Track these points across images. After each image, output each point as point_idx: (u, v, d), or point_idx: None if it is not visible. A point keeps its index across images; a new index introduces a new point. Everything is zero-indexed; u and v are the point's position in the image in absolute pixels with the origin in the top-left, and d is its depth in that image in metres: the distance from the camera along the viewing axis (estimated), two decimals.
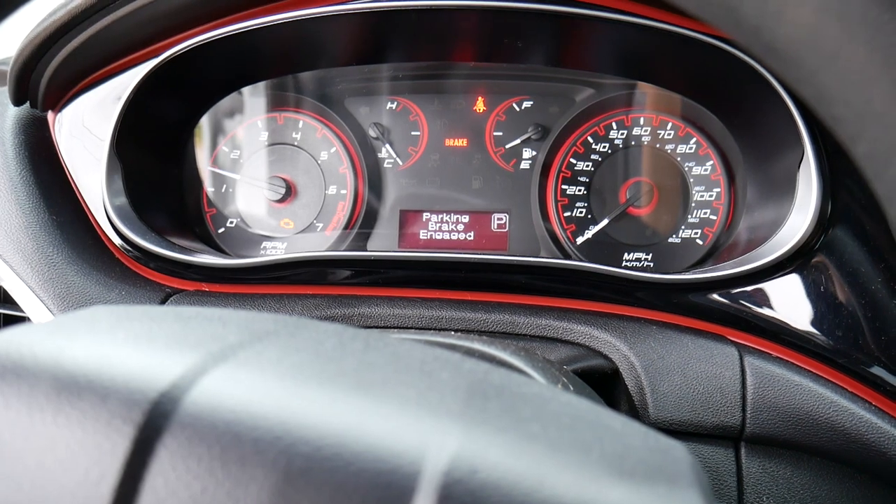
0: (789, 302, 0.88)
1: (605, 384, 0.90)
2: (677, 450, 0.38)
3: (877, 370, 0.83)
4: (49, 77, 1.04)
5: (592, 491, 0.32)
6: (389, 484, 0.31)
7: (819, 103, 0.34)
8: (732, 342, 0.88)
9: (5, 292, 1.01)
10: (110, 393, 0.34)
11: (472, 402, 0.38)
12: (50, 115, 1.12)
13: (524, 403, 0.40)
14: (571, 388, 0.69)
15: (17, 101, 1.08)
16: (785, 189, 0.92)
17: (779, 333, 0.88)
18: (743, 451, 0.85)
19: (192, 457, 0.32)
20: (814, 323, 0.86)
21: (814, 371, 0.85)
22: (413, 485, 0.31)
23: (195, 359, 0.38)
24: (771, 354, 0.87)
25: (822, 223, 0.87)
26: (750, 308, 0.89)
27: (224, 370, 0.37)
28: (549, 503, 0.31)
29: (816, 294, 0.87)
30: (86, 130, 1.08)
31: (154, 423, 0.33)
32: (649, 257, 1.13)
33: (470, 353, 0.69)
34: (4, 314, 1.03)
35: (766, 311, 0.89)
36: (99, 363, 0.36)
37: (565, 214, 1.17)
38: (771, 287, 0.89)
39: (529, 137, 1.19)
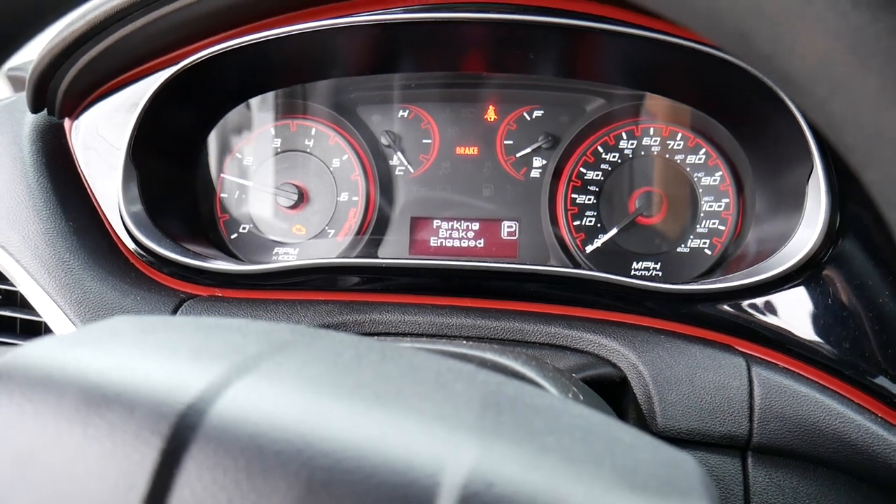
0: (797, 313, 0.89)
1: (613, 392, 0.90)
2: (688, 463, 0.39)
3: (883, 382, 0.84)
4: (66, 85, 1.05)
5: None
6: (408, 497, 0.32)
7: (830, 130, 0.34)
8: (740, 352, 0.89)
9: (22, 297, 1.02)
10: (137, 405, 0.35)
11: (486, 414, 0.39)
12: (66, 122, 1.13)
13: (537, 415, 0.40)
14: (581, 397, 0.70)
15: (35, 109, 1.09)
16: (794, 201, 0.93)
17: (786, 344, 0.88)
18: (750, 460, 0.86)
19: (217, 468, 0.33)
20: (821, 334, 0.87)
21: (821, 382, 0.86)
22: (431, 498, 0.32)
23: (218, 371, 0.38)
24: (778, 365, 0.88)
25: (831, 236, 0.88)
26: (758, 319, 0.90)
27: (246, 382, 0.38)
28: None
29: (824, 306, 0.87)
30: (101, 138, 1.10)
31: (181, 435, 0.34)
32: (658, 266, 1.14)
33: (482, 363, 0.70)
34: (21, 319, 1.04)
35: (774, 322, 0.89)
36: (125, 375, 0.37)
37: (575, 223, 1.18)
38: (779, 298, 0.90)
39: (540, 146, 1.20)
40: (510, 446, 0.36)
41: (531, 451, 0.36)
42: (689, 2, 0.35)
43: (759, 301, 0.90)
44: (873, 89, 0.31)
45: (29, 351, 0.39)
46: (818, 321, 0.87)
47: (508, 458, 0.35)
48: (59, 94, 1.07)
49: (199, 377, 0.37)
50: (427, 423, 0.37)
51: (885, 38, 0.31)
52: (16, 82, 1.58)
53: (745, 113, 1.04)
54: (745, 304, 0.91)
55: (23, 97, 1.11)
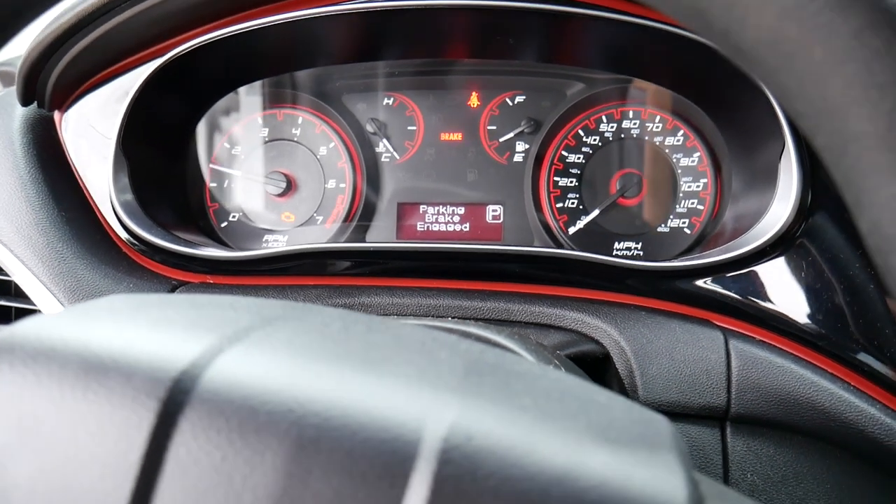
0: (772, 287, 0.91)
1: (596, 368, 0.92)
2: (658, 421, 0.40)
3: (855, 352, 0.86)
4: (56, 78, 1.06)
5: (579, 455, 0.34)
6: (393, 450, 0.33)
7: (783, 98, 0.36)
8: (718, 326, 0.91)
9: (17, 287, 1.03)
10: (135, 372, 0.36)
11: (468, 378, 0.40)
12: (56, 114, 1.14)
13: (516, 379, 0.41)
14: (563, 370, 0.72)
15: (25, 102, 1.10)
16: (768, 179, 0.95)
17: (762, 318, 0.90)
18: (728, 430, 0.88)
19: (211, 428, 0.34)
20: (795, 307, 0.89)
21: (796, 353, 0.88)
22: (415, 450, 0.33)
23: (211, 340, 0.39)
24: (755, 338, 0.90)
25: (803, 211, 0.90)
26: (735, 293, 0.92)
27: (238, 350, 0.39)
28: (540, 466, 0.33)
29: (798, 279, 0.90)
30: (91, 129, 1.11)
31: (176, 399, 0.35)
32: (639, 246, 1.16)
33: (466, 337, 0.71)
34: (16, 307, 1.05)
35: (750, 296, 0.91)
36: (122, 345, 0.38)
37: (558, 205, 1.19)
38: (755, 273, 0.92)
39: (522, 131, 1.22)
40: (489, 405, 0.37)
41: (509, 409, 0.37)
42: None
43: (736, 276, 0.92)
44: (818, 61, 0.33)
45: (29, 325, 0.40)
46: (792, 294, 0.89)
47: (487, 414, 0.36)
48: (49, 87, 1.08)
49: (193, 346, 0.38)
50: (411, 385, 0.38)
51: (827, 12, 0.33)
52: (4, 77, 1.58)
53: (720, 95, 1.06)
54: (722, 279, 0.93)
55: (12, 91, 1.12)
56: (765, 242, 0.90)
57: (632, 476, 0.34)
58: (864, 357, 0.86)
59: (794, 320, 0.89)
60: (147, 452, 0.34)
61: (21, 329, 0.40)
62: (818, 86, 0.34)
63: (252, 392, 0.36)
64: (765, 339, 0.90)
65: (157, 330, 0.42)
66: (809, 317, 0.88)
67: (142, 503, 0.33)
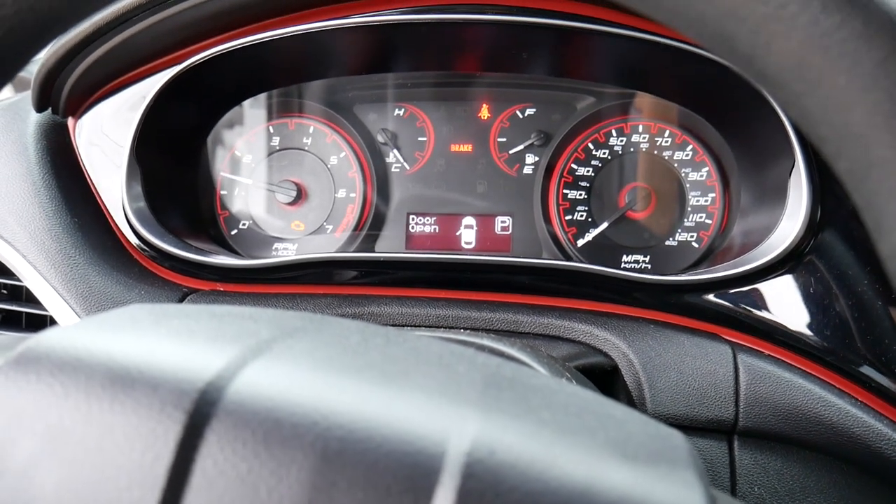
0: (781, 303, 0.91)
1: (604, 380, 0.93)
2: (675, 436, 0.40)
3: (863, 368, 0.86)
4: (71, 85, 1.07)
5: (599, 470, 0.34)
6: (418, 464, 0.33)
7: (805, 123, 0.37)
8: (726, 341, 0.91)
9: (27, 292, 1.04)
10: (161, 384, 0.36)
11: (487, 391, 0.40)
12: (70, 121, 1.15)
13: (534, 393, 0.42)
14: (574, 382, 0.72)
15: (40, 108, 1.11)
16: (777, 195, 0.95)
17: (771, 332, 0.91)
18: (736, 443, 0.88)
19: (237, 440, 0.34)
20: (804, 323, 0.89)
21: (804, 368, 0.88)
22: (439, 464, 0.33)
23: (234, 352, 0.40)
24: (763, 352, 0.90)
25: (812, 228, 0.90)
26: (743, 308, 0.92)
27: (261, 362, 0.39)
28: (561, 480, 0.33)
29: (806, 295, 0.90)
30: (105, 136, 1.11)
31: (202, 411, 0.35)
32: (647, 259, 1.16)
33: (480, 349, 0.71)
34: (27, 312, 1.05)
35: (758, 311, 0.92)
36: (147, 356, 0.38)
37: (566, 217, 1.20)
38: (763, 288, 0.92)
39: (532, 143, 1.22)
40: (510, 419, 0.37)
41: (530, 424, 0.37)
42: (676, 7, 0.38)
43: (744, 291, 0.92)
44: (842, 88, 0.34)
45: (53, 335, 0.40)
46: (801, 310, 0.90)
47: (509, 429, 0.36)
48: (64, 94, 1.08)
49: (217, 358, 0.39)
50: (432, 399, 0.38)
51: (851, 41, 0.33)
52: (18, 83, 1.59)
53: (730, 110, 1.06)
54: (730, 293, 0.93)
55: (26, 97, 1.12)
56: (773, 258, 0.90)
57: (652, 492, 0.34)
58: (871, 372, 0.86)
59: (801, 335, 0.89)
60: (174, 464, 0.34)
61: (45, 339, 0.40)
62: (841, 113, 0.34)
63: (277, 404, 0.36)
64: (773, 354, 0.90)
65: (181, 341, 0.42)
66: (817, 332, 0.89)
67: None
